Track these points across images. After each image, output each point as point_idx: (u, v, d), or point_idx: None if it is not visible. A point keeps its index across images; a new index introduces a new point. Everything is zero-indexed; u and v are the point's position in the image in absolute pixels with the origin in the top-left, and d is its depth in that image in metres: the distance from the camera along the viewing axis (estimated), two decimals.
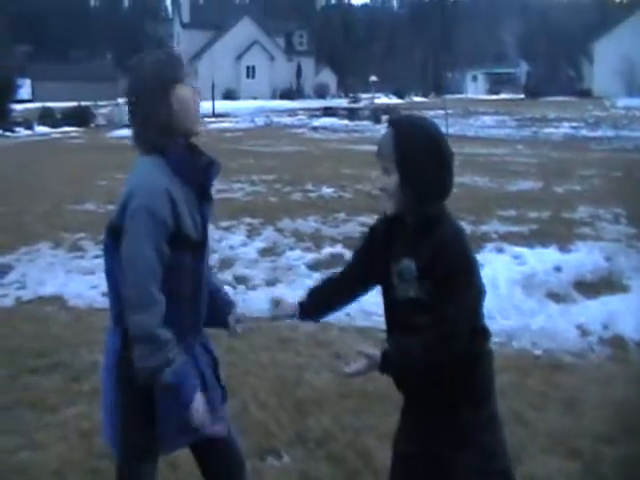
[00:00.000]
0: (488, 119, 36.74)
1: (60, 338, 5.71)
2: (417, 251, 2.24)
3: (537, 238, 8.37)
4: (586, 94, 59.76)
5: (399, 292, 2.31)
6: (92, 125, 35.53)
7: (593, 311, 6.20)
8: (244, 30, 66.30)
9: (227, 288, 6.89)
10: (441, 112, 29.14)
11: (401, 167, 2.24)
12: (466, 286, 2.21)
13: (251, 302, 6.65)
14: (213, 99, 45.40)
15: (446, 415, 2.33)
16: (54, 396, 4.50)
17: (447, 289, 2.17)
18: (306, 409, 4.25)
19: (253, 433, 3.94)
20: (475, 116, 37.85)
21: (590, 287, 6.85)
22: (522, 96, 63.89)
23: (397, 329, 2.36)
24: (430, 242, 2.23)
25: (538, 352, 5.43)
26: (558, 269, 7.20)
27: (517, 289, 6.77)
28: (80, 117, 35.42)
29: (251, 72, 66.74)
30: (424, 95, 73.11)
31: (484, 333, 2.37)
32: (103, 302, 6.66)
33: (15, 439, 3.97)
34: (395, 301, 2.34)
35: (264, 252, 8.16)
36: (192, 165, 2.46)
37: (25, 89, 52.35)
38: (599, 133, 29.02)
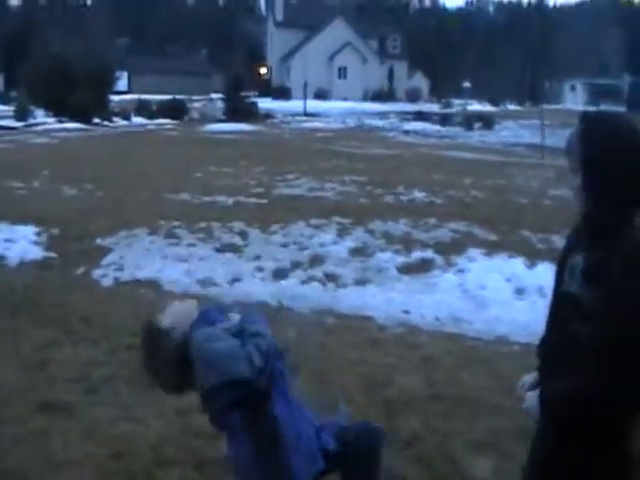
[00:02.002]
0: None
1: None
2: (591, 250, 2.01)
3: None
4: None
5: (564, 287, 2.09)
6: (186, 118, 36.47)
7: None
8: (337, 31, 66.55)
9: (317, 284, 7.03)
10: (537, 122, 28.49)
11: (585, 166, 2.02)
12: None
13: (340, 299, 6.71)
14: (305, 98, 45.86)
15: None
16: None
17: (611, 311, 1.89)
18: (395, 409, 4.24)
19: None
20: (573, 128, 36.81)
21: None
22: (624, 109, 61.76)
23: (554, 334, 2.15)
24: (608, 245, 1.96)
25: None
26: None
27: None
28: (175, 110, 36.45)
29: (343, 73, 66.92)
30: (519, 104, 71.56)
31: None
32: (197, 289, 6.87)
33: (114, 411, 4.13)
34: (559, 298, 2.13)
35: (354, 252, 8.17)
36: None
37: (122, 81, 54.18)
38: None
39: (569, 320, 2.03)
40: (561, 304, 2.11)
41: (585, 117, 2.11)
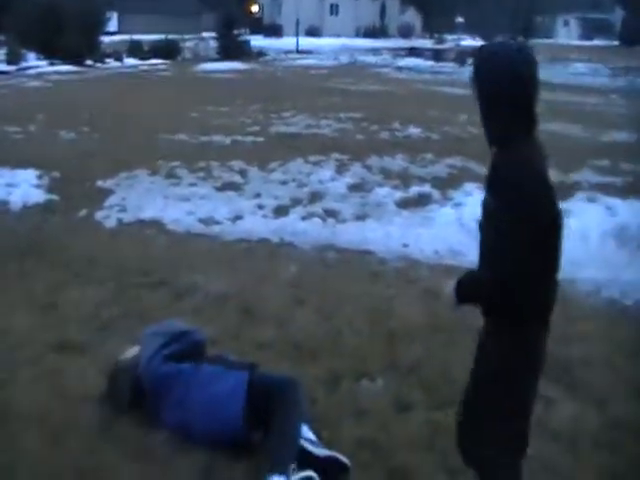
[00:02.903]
0: (580, 66, 35.29)
1: (161, 259, 6.02)
2: (491, 162, 2.32)
3: (631, 190, 8.18)
4: None
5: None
6: (179, 58, 35.91)
7: None
8: None
9: (317, 220, 7.14)
10: None
11: (478, 92, 2.32)
12: (518, 227, 2.17)
13: (340, 235, 6.84)
14: (297, 35, 45.11)
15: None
16: (160, 311, 4.75)
17: (497, 221, 2.21)
18: (398, 339, 4.41)
19: (348, 357, 4.14)
20: (566, 62, 36.41)
21: None
22: (616, 43, 60.91)
23: (480, 234, 2.40)
24: (498, 157, 2.30)
25: (628, 302, 5.41)
26: None
27: (609, 240, 6.69)
28: (167, 50, 35.80)
29: (335, 9, 65.64)
30: (512, 38, 70.42)
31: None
32: (200, 228, 6.99)
33: (128, 347, 4.26)
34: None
35: (353, 188, 8.28)
36: None
37: (112, 21, 53.03)
38: None
39: (482, 221, 2.35)
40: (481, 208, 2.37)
41: (479, 50, 2.37)
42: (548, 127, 13.47)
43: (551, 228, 2.27)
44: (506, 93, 2.26)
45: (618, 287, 5.71)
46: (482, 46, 2.42)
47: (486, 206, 2.30)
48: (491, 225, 2.28)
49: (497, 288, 2.23)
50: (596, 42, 67.22)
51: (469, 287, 2.36)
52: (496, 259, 2.23)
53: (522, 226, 2.17)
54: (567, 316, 4.97)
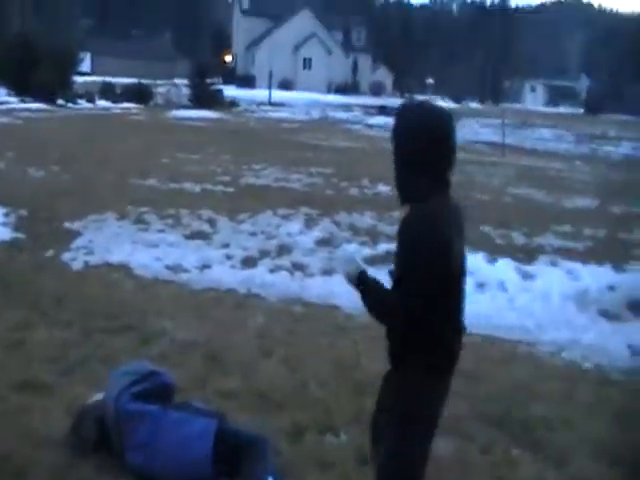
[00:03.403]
0: (546, 132, 36.35)
1: (128, 304, 5.99)
2: (400, 222, 2.45)
3: (592, 255, 8.42)
4: None
5: None
6: (151, 103, 36.17)
7: None
8: (303, 22, 66.48)
9: (285, 273, 7.18)
10: (498, 121, 29.00)
11: (392, 144, 2.45)
12: (418, 270, 2.34)
13: (307, 288, 6.88)
14: (270, 87, 45.81)
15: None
16: (126, 355, 4.72)
17: (404, 269, 2.38)
18: (363, 391, 4.42)
19: (313, 410, 4.15)
20: (533, 128, 37.48)
21: None
22: (582, 111, 62.92)
23: None
24: (405, 211, 2.44)
25: (588, 365, 5.53)
26: (612, 288, 7.25)
27: (570, 303, 6.84)
28: (140, 94, 36.11)
29: (308, 64, 66.94)
30: (481, 102, 72.50)
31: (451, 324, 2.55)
32: (167, 275, 6.98)
33: (91, 391, 4.22)
34: None
35: (321, 242, 8.36)
36: None
37: (85, 62, 53.35)
38: None
39: (392, 269, 2.52)
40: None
41: (398, 109, 2.48)
42: (513, 191, 13.85)
43: (446, 279, 2.42)
44: (422, 152, 2.37)
45: (579, 350, 5.83)
46: (401, 105, 2.52)
47: (395, 255, 2.45)
48: (396, 271, 2.44)
49: (399, 310, 2.37)
50: (562, 109, 69.34)
51: (379, 302, 2.44)
52: (401, 288, 2.39)
53: (415, 274, 2.35)
54: (531, 375, 5.09)
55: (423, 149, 2.36)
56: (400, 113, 2.46)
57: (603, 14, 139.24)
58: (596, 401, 4.70)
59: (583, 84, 78.91)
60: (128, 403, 3.41)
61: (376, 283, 2.43)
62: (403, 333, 2.44)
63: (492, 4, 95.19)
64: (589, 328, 6.38)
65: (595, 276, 7.59)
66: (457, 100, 66.91)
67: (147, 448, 3.30)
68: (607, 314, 6.70)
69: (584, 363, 5.56)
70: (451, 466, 3.67)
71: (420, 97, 63.44)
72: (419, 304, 2.35)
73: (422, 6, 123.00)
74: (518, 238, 9.27)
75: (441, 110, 2.45)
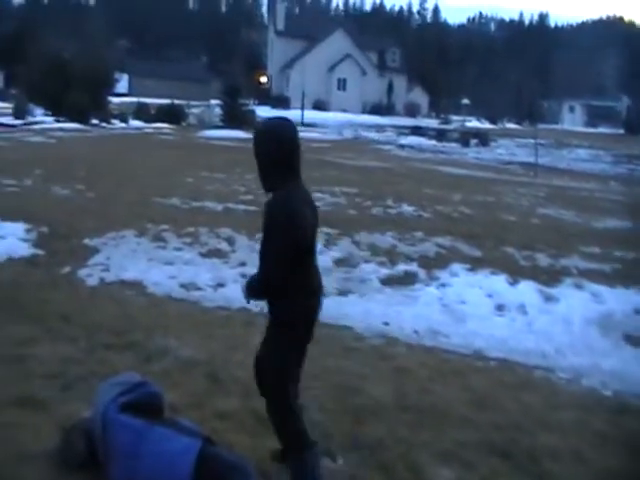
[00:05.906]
0: (582, 152, 35.83)
1: (136, 320, 5.94)
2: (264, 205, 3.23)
3: (619, 278, 8.15)
4: None
5: None
6: (183, 124, 36.56)
7: None
8: (338, 42, 66.90)
9: None
10: (532, 141, 28.68)
11: (254, 154, 3.27)
12: (275, 239, 3.11)
13: (322, 309, 6.74)
14: (303, 108, 45.97)
15: None
16: (126, 372, 4.64)
17: (264, 241, 3.17)
18: (363, 417, 4.30)
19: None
20: (569, 148, 36.98)
21: None
22: (622, 131, 62.01)
23: None
24: (268, 200, 3.22)
25: (607, 393, 5.30)
26: (638, 312, 7.01)
27: (592, 328, 6.61)
28: (173, 115, 36.57)
29: (342, 85, 67.22)
30: (518, 122, 71.83)
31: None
32: (180, 293, 6.92)
33: (86, 408, 4.15)
34: None
35: (339, 262, 8.25)
36: None
37: (123, 83, 54.39)
38: None
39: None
40: None
41: (256, 125, 2.96)
42: (542, 212, 13.59)
43: (297, 248, 3.15)
44: (276, 152, 3.19)
45: (599, 376, 5.60)
46: (258, 122, 2.96)
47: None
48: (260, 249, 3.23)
49: (262, 283, 3.21)
50: (601, 129, 68.36)
51: (252, 285, 3.27)
52: (261, 265, 3.20)
53: (271, 242, 3.13)
54: (544, 403, 4.88)
55: (276, 150, 3.19)
56: (258, 128, 3.36)
57: None
58: (610, 431, 4.48)
59: (624, 104, 77.68)
60: (115, 413, 3.36)
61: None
62: (268, 300, 3.28)
63: (530, 22, 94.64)
64: (611, 353, 6.15)
65: (621, 299, 7.36)
66: (493, 121, 66.46)
67: (129, 460, 3.24)
68: (631, 339, 6.46)
69: (603, 390, 5.33)
70: None
71: (455, 118, 63.22)
72: (277, 275, 3.13)
73: (459, 26, 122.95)
74: (543, 260, 9.04)
75: (285, 120, 3.32)
